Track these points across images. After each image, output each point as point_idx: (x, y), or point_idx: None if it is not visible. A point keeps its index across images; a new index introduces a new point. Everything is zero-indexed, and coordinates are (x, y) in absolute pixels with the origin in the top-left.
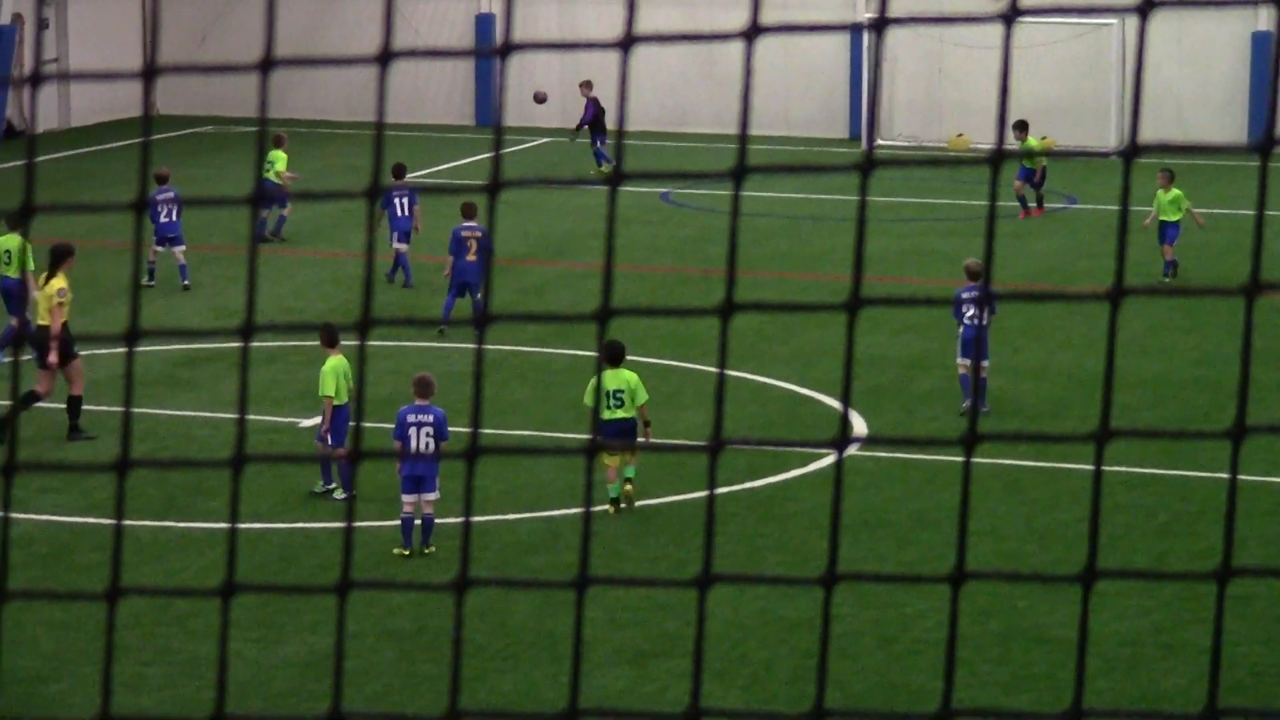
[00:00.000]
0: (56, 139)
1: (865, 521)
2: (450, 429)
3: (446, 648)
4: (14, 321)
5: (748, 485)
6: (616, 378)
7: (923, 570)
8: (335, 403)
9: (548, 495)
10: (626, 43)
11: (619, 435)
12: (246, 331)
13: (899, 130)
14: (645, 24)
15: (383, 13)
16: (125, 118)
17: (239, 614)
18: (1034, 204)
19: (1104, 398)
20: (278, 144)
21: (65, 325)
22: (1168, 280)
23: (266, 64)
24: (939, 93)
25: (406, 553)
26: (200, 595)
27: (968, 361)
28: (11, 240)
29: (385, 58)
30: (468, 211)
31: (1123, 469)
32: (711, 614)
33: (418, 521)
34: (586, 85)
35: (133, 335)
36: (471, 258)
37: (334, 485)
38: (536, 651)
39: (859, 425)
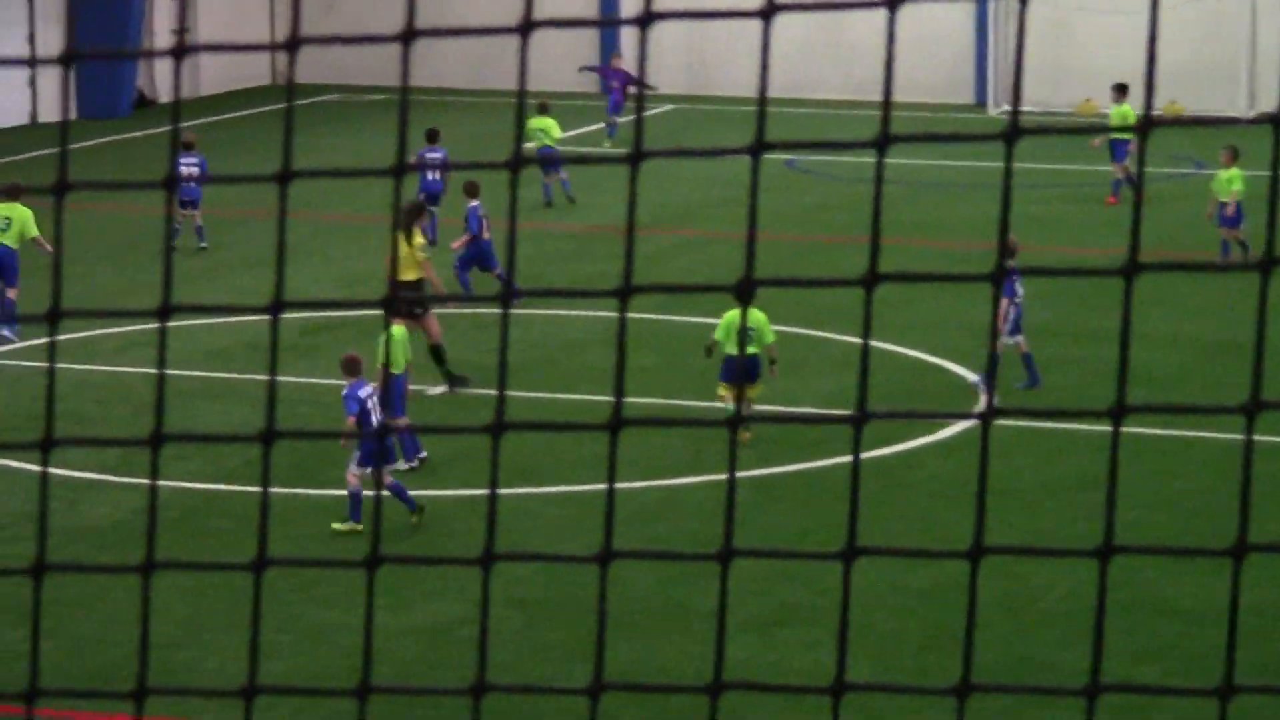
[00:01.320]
0: (186, 108)
1: (991, 489)
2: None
3: (571, 615)
4: (11, 294)
5: (871, 454)
6: (748, 316)
7: (1051, 539)
8: (394, 371)
9: (669, 463)
10: (768, 11)
11: (743, 371)
12: (388, 304)
13: (1024, 96)
14: None
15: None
16: (253, 86)
17: (361, 584)
18: (1123, 185)
19: (1255, 369)
20: (543, 110)
21: (419, 280)
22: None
23: (409, 34)
24: (1064, 58)
25: (359, 528)
26: (344, 566)
27: (1016, 340)
28: (14, 209)
29: (526, 27)
30: (474, 190)
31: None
32: (837, 583)
33: (367, 493)
34: (617, 58)
35: (277, 306)
36: (487, 235)
37: (423, 456)
38: (657, 619)
39: (983, 393)
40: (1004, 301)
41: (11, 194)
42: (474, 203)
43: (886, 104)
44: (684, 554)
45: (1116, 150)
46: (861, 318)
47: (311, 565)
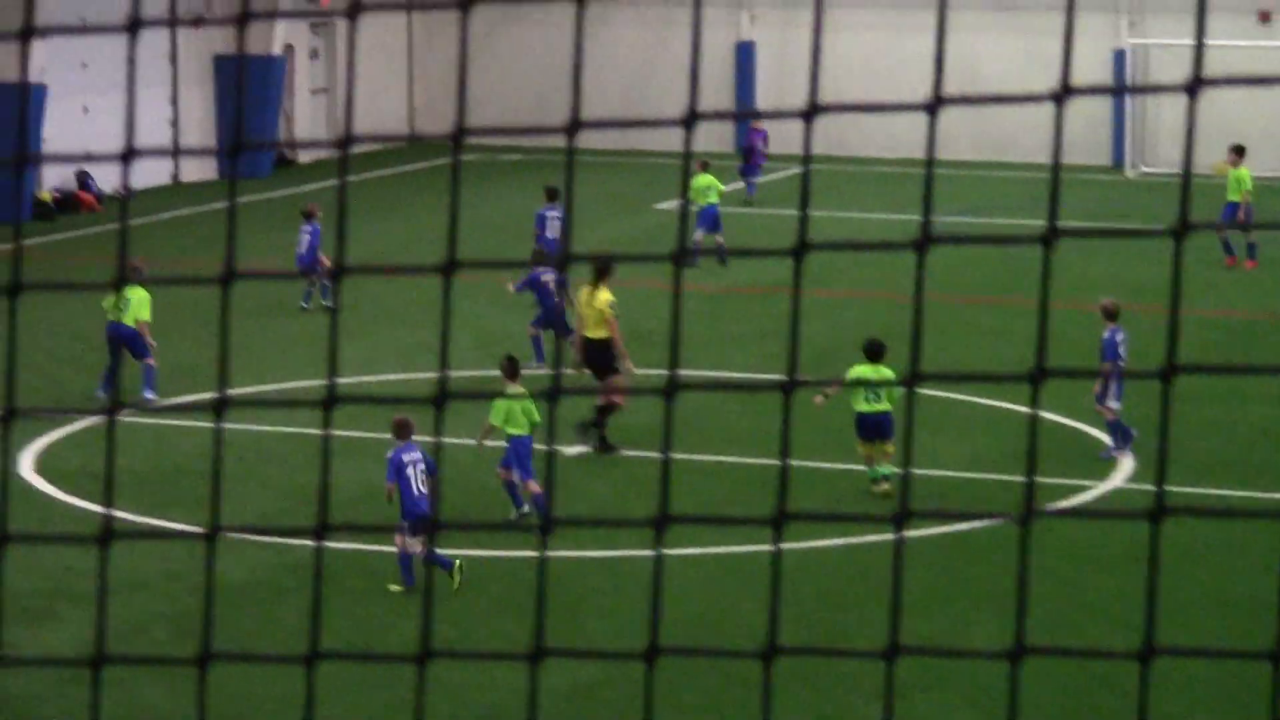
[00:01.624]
0: (324, 169)
1: (1131, 555)
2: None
3: (705, 675)
4: (151, 361)
5: (1007, 518)
6: (877, 373)
7: (1184, 605)
8: (516, 433)
9: (807, 524)
10: (933, 105)
11: (874, 427)
12: (555, 391)
13: (1160, 156)
14: (906, 50)
15: (689, 73)
16: (391, 149)
17: (502, 644)
18: (1244, 254)
19: None
20: (705, 168)
21: (607, 339)
22: None
23: (574, 125)
24: (1201, 117)
25: (402, 589)
26: (509, 659)
27: (1118, 406)
28: (133, 291)
29: (690, 119)
30: (544, 259)
31: None
32: (974, 646)
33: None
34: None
35: (442, 394)
36: (559, 298)
37: (526, 510)
38: (793, 680)
39: (1126, 461)
40: (1106, 366)
41: (132, 277)
42: (543, 270)
43: (1053, 206)
44: (851, 651)
45: (1225, 213)
46: (998, 381)
47: (475, 658)
